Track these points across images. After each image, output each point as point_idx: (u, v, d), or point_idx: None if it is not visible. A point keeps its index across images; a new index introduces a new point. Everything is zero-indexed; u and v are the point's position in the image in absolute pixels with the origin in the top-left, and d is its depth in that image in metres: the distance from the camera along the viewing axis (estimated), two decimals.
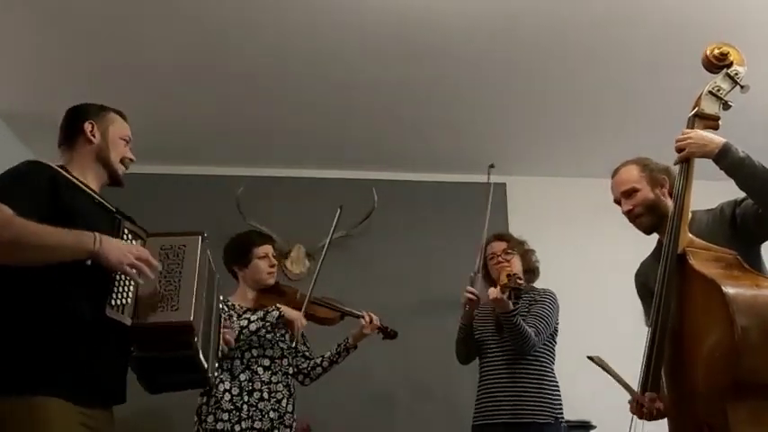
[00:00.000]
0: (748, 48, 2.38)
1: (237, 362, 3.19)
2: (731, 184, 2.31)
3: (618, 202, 2.57)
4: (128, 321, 1.98)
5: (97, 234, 1.93)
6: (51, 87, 3.92)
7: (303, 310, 3.26)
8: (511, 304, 3.12)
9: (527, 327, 3.19)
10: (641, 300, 2.69)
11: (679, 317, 2.13)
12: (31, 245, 1.84)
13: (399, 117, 4.36)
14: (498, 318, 3.26)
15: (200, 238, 2.20)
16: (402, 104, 4.22)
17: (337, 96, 4.13)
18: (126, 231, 2.09)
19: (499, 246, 3.48)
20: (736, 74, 2.27)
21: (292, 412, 3.23)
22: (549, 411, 3.21)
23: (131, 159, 2.33)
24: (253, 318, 3.12)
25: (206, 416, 3.13)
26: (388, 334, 3.50)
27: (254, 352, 3.20)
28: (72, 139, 2.21)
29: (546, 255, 3.64)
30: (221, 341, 2.44)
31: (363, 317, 3.40)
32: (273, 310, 3.14)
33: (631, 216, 2.51)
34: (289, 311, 3.15)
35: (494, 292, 3.12)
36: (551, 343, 3.38)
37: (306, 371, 3.39)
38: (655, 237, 2.59)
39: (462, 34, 3.59)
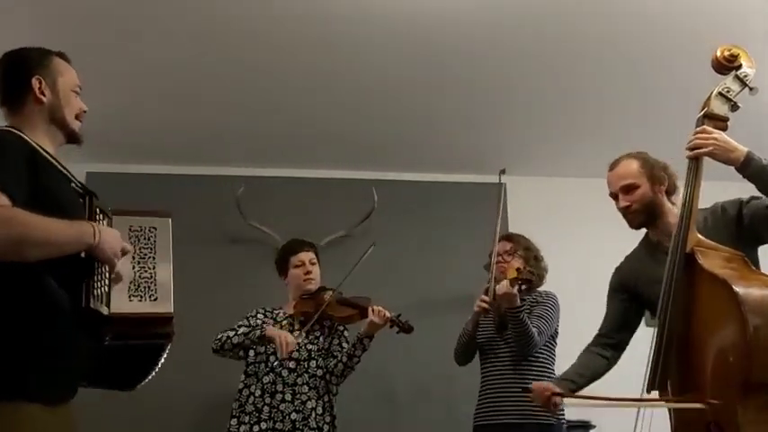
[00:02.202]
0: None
1: (262, 365, 3.26)
2: (730, 184, 2.37)
3: (615, 195, 2.55)
4: (105, 311, 1.86)
5: (95, 225, 1.82)
6: None
7: (318, 312, 3.31)
8: (519, 300, 3.15)
9: (531, 326, 3.21)
10: (613, 294, 2.70)
11: (687, 316, 2.13)
12: (38, 242, 1.68)
13: (400, 117, 4.36)
14: (504, 314, 3.26)
15: (170, 220, 2.07)
16: (402, 104, 4.22)
17: (338, 96, 4.13)
18: (98, 210, 1.94)
19: (503, 246, 3.51)
20: (746, 76, 2.28)
21: (322, 414, 3.24)
22: (551, 412, 3.21)
23: (85, 111, 2.05)
24: (239, 331, 3.24)
25: (230, 419, 3.22)
26: (402, 327, 3.40)
27: (279, 355, 3.21)
28: (18, 99, 1.95)
29: (546, 255, 3.63)
30: None
31: (368, 308, 3.35)
32: (258, 329, 3.21)
33: (627, 211, 2.50)
34: (270, 331, 3.19)
35: (504, 285, 3.13)
36: (552, 344, 3.41)
37: (330, 369, 3.37)
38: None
39: (466, 35, 3.59)
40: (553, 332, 3.38)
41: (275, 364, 3.25)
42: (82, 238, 1.77)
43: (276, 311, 3.45)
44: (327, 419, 3.26)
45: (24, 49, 2.00)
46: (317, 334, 3.39)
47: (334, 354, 3.41)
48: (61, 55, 2.04)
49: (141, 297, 1.93)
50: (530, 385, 3.14)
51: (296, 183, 4.89)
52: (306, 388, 3.24)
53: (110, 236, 1.84)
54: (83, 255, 1.79)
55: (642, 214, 2.48)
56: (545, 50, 3.75)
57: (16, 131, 1.87)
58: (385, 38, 3.61)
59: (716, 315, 2.02)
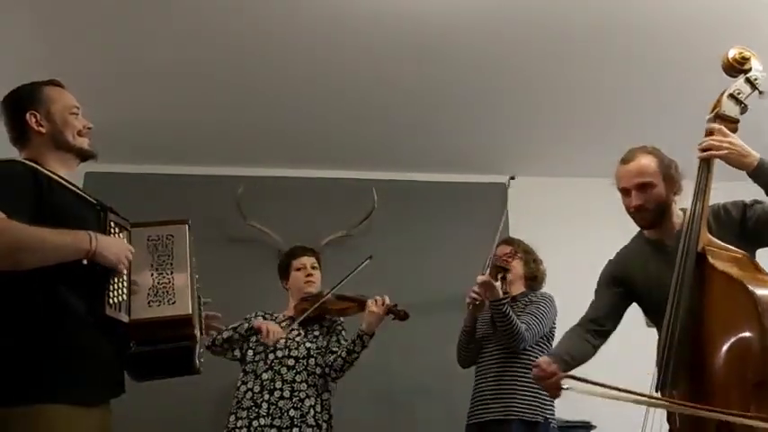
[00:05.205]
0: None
1: (261, 363, 3.30)
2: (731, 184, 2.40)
3: (626, 190, 2.42)
4: (125, 318, 1.97)
5: (92, 233, 1.91)
6: None
7: (317, 304, 3.36)
8: (500, 291, 3.16)
9: (518, 320, 3.20)
10: (606, 286, 2.61)
11: (695, 315, 2.12)
12: (31, 248, 1.81)
13: (400, 117, 4.36)
14: (490, 308, 3.26)
15: (186, 226, 2.18)
16: (402, 105, 4.22)
17: (337, 96, 4.13)
18: (112, 224, 2.05)
19: (503, 249, 3.53)
20: (756, 79, 2.29)
21: (321, 412, 3.26)
22: (538, 410, 3.20)
23: (89, 127, 2.16)
24: (230, 327, 3.29)
25: (227, 416, 3.25)
26: (398, 314, 3.38)
27: (279, 353, 3.30)
28: (23, 136, 2.07)
29: (546, 254, 3.65)
30: (204, 327, 2.35)
31: (368, 300, 3.38)
32: (245, 323, 3.32)
33: (639, 210, 2.41)
34: (257, 322, 3.29)
35: (481, 276, 3.17)
36: (546, 345, 3.37)
37: (329, 363, 3.37)
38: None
39: (467, 35, 3.60)
40: (547, 332, 3.36)
41: (273, 361, 3.29)
42: (76, 243, 1.88)
43: (276, 315, 3.49)
44: (325, 417, 3.28)
45: (16, 90, 2.11)
46: (317, 333, 3.42)
47: (332, 350, 3.43)
48: (52, 82, 2.14)
49: (160, 302, 2.02)
50: (519, 381, 3.16)
51: (296, 183, 4.89)
52: (304, 386, 3.26)
53: (110, 242, 1.96)
54: (84, 262, 1.89)
55: (653, 214, 2.40)
56: (547, 52, 3.76)
57: (20, 160, 2.00)
58: (386, 38, 3.61)
59: (729, 315, 2.02)
